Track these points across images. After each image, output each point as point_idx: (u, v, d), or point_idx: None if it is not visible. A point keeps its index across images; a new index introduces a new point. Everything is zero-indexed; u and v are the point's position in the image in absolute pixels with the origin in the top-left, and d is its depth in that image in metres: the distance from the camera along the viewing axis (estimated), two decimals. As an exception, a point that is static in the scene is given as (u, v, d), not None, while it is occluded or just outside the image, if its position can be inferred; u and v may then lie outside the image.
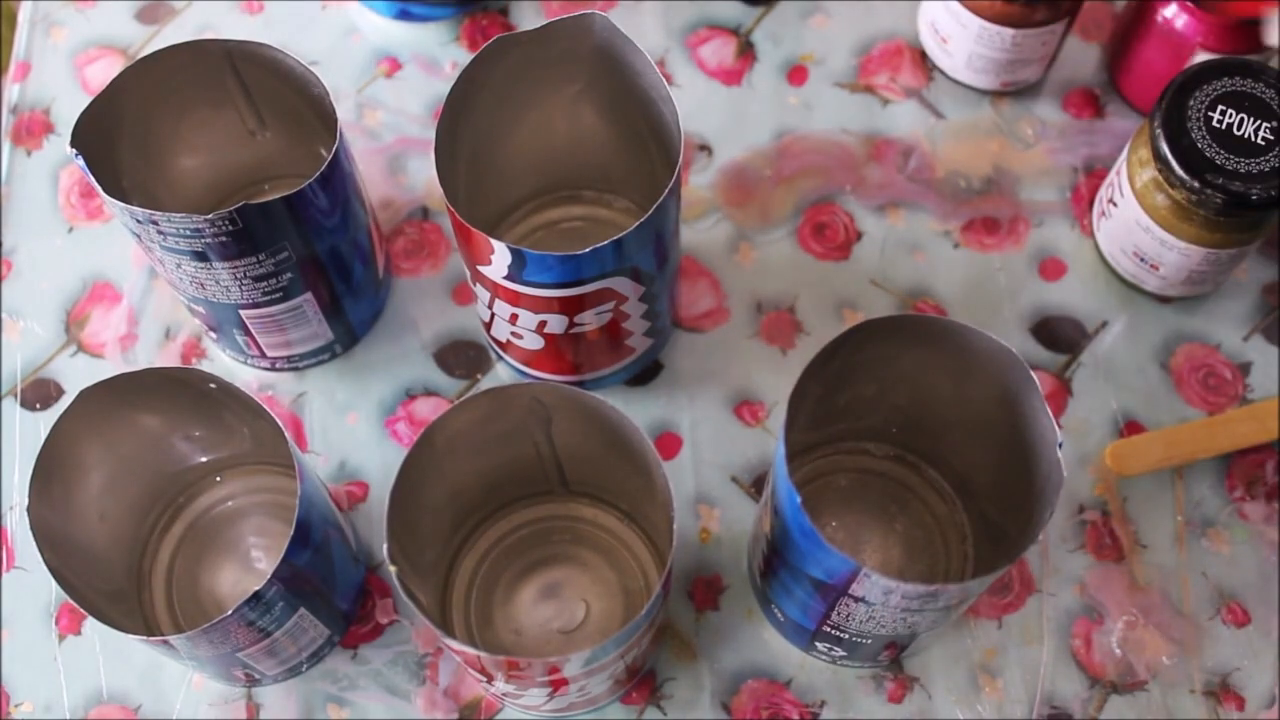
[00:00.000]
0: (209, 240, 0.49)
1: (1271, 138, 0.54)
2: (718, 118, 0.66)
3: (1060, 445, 0.44)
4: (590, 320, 0.52)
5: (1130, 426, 0.59)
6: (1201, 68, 0.56)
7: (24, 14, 0.69)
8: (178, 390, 0.50)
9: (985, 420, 0.51)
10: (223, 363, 0.61)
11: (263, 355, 0.59)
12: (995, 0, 0.60)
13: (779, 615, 0.53)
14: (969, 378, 0.50)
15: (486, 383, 0.61)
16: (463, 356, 0.61)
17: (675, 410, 0.60)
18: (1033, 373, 0.46)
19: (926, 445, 0.56)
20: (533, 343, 0.54)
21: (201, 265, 0.51)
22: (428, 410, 0.60)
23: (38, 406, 0.60)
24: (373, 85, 0.67)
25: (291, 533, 0.46)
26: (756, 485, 0.58)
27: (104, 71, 0.67)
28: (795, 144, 0.65)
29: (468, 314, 0.62)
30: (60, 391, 0.61)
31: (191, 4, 0.69)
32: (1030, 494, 0.48)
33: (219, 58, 0.54)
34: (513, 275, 0.49)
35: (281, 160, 0.62)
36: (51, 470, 0.48)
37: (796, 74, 0.67)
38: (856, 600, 0.46)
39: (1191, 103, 0.55)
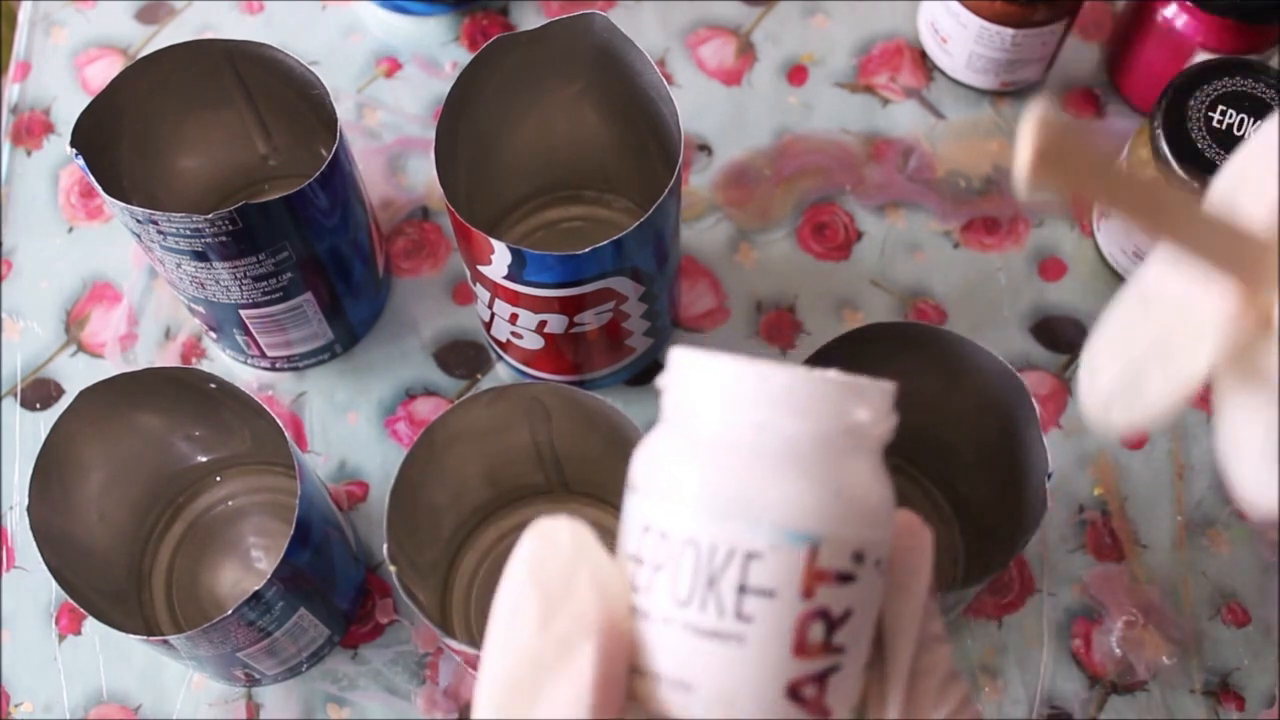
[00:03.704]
0: (209, 240, 0.49)
1: (1271, 138, 0.54)
2: (718, 118, 0.66)
3: (1050, 476, 0.44)
4: (590, 320, 0.52)
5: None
6: (1201, 68, 0.56)
7: (24, 14, 0.70)
8: (178, 390, 0.50)
9: (986, 444, 0.51)
10: (223, 363, 0.61)
11: (263, 355, 0.59)
12: (995, 0, 0.60)
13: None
14: (972, 398, 0.50)
15: (486, 383, 0.61)
16: (463, 356, 0.61)
17: (675, 410, 0.60)
18: (1034, 401, 0.46)
19: (931, 463, 0.56)
20: (533, 343, 0.54)
21: (201, 265, 0.51)
22: (428, 410, 0.60)
23: (38, 406, 0.60)
24: (373, 85, 0.67)
25: (291, 533, 0.46)
26: (756, 485, 0.58)
27: (104, 71, 0.67)
28: (795, 144, 0.65)
29: (468, 314, 0.62)
30: (60, 391, 0.61)
31: (191, 4, 0.69)
32: (1016, 521, 0.48)
33: (219, 58, 0.54)
34: (513, 275, 0.49)
35: (282, 160, 0.62)
36: (51, 470, 0.48)
37: (796, 74, 0.67)
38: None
39: (1191, 103, 0.55)
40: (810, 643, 0.26)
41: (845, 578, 0.26)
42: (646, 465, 0.28)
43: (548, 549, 0.27)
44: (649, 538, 0.26)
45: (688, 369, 0.27)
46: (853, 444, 0.27)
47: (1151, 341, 0.26)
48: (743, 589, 0.25)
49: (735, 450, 0.26)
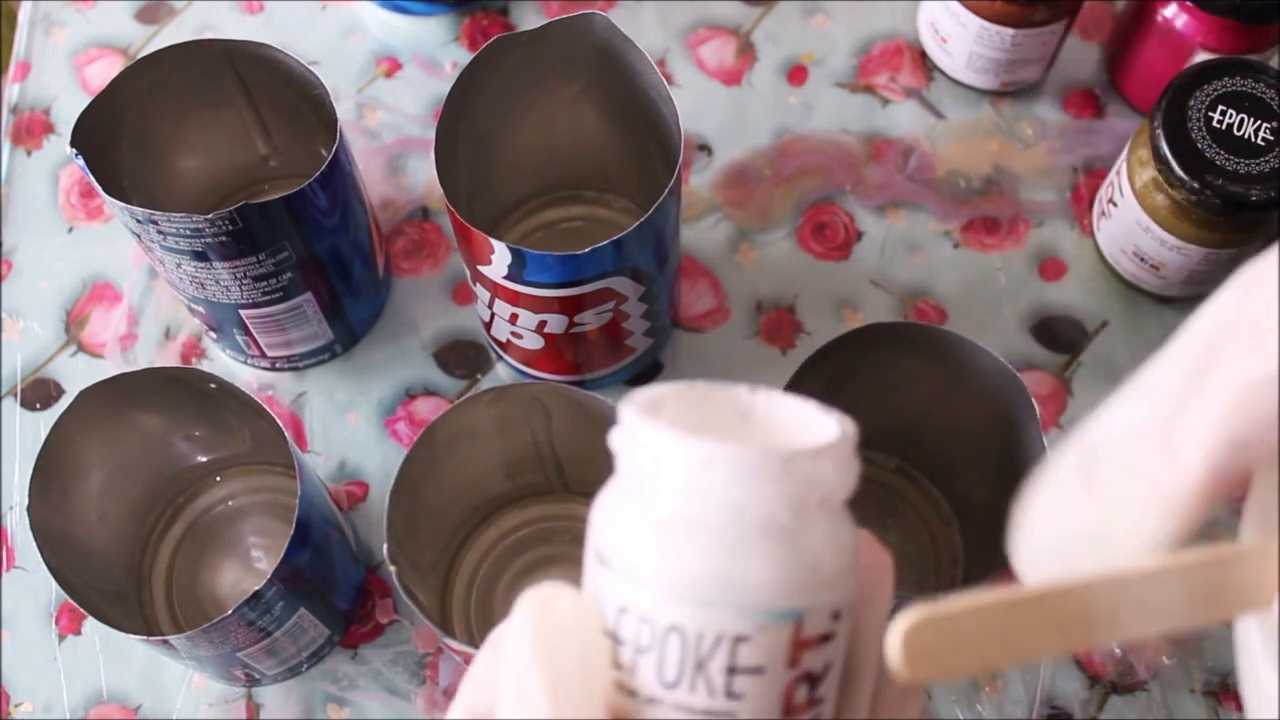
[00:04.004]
0: (209, 240, 0.49)
1: (1271, 138, 0.54)
2: (718, 118, 0.66)
3: None
4: (590, 320, 0.52)
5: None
6: (1201, 68, 0.56)
7: (24, 14, 0.69)
8: (178, 390, 0.50)
9: (986, 444, 0.51)
10: (223, 363, 0.61)
11: (263, 355, 0.59)
12: (995, 0, 0.60)
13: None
14: (972, 398, 0.50)
15: (486, 383, 0.61)
16: (463, 356, 0.61)
17: (675, 410, 0.60)
18: (1034, 401, 0.46)
19: (931, 463, 0.56)
20: (533, 343, 0.54)
21: (201, 265, 0.51)
22: (428, 410, 0.60)
23: (38, 406, 0.60)
24: (373, 85, 0.67)
25: (291, 533, 0.46)
26: (756, 485, 0.58)
27: (104, 71, 0.67)
28: (795, 144, 0.65)
29: (468, 314, 0.62)
30: (60, 391, 0.61)
31: (191, 4, 0.69)
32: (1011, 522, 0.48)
33: (219, 58, 0.54)
34: (513, 275, 0.49)
35: (282, 160, 0.62)
36: (51, 470, 0.48)
37: (796, 74, 0.67)
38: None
39: (1191, 103, 0.55)
40: (797, 703, 0.26)
41: (826, 638, 0.26)
42: (614, 536, 0.27)
43: (547, 622, 0.26)
44: (628, 619, 0.26)
45: (648, 442, 0.27)
46: (826, 508, 0.27)
47: (1087, 532, 0.25)
48: (732, 670, 0.25)
49: (711, 533, 0.26)
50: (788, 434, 0.29)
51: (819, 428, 0.27)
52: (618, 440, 0.27)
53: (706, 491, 0.26)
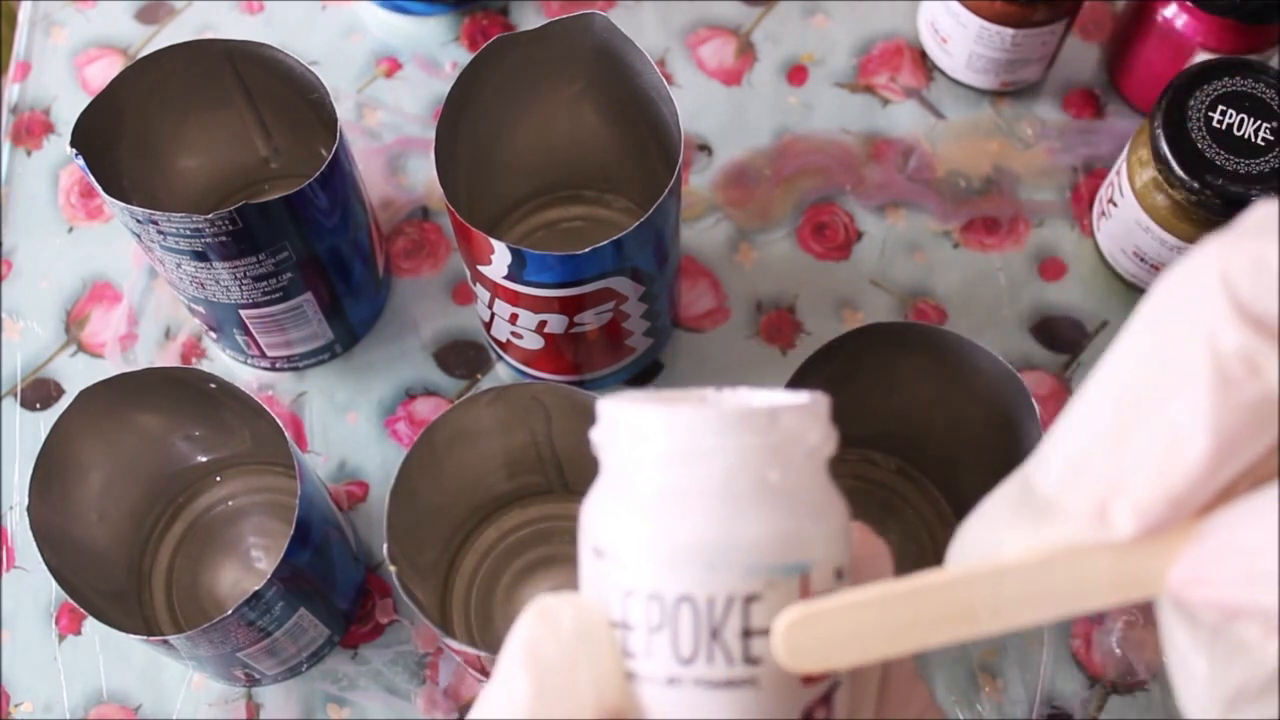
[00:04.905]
0: (209, 240, 0.49)
1: (1271, 138, 0.54)
2: (718, 118, 0.66)
3: None
4: (590, 320, 0.52)
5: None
6: (1201, 68, 0.56)
7: (24, 14, 0.70)
8: (178, 390, 0.50)
9: (986, 444, 0.51)
10: (223, 363, 0.61)
11: (263, 355, 0.59)
12: (995, 0, 0.60)
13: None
14: (972, 398, 0.49)
15: (486, 383, 0.61)
16: (463, 356, 0.61)
17: (675, 410, 0.60)
18: (1034, 401, 0.46)
19: (931, 463, 0.56)
20: (533, 343, 0.54)
21: (201, 265, 0.51)
22: (428, 410, 0.60)
23: (38, 406, 0.60)
24: (373, 85, 0.67)
25: (291, 533, 0.46)
26: (756, 485, 0.58)
27: (104, 71, 0.67)
28: (795, 144, 0.65)
29: (468, 314, 0.62)
30: (60, 391, 0.61)
31: (191, 4, 0.69)
32: None
33: (219, 58, 0.54)
34: (513, 275, 0.49)
35: (282, 160, 0.62)
36: (51, 470, 0.48)
37: (796, 74, 0.67)
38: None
39: (1191, 103, 0.55)
40: None
41: None
42: (609, 525, 0.27)
43: (546, 631, 0.26)
44: (635, 601, 0.26)
45: (634, 425, 0.27)
46: (813, 465, 0.27)
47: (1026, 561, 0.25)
48: (747, 633, 0.25)
49: (710, 498, 0.26)
50: None
51: (790, 399, 0.28)
52: (600, 434, 0.27)
53: (697, 455, 0.26)
